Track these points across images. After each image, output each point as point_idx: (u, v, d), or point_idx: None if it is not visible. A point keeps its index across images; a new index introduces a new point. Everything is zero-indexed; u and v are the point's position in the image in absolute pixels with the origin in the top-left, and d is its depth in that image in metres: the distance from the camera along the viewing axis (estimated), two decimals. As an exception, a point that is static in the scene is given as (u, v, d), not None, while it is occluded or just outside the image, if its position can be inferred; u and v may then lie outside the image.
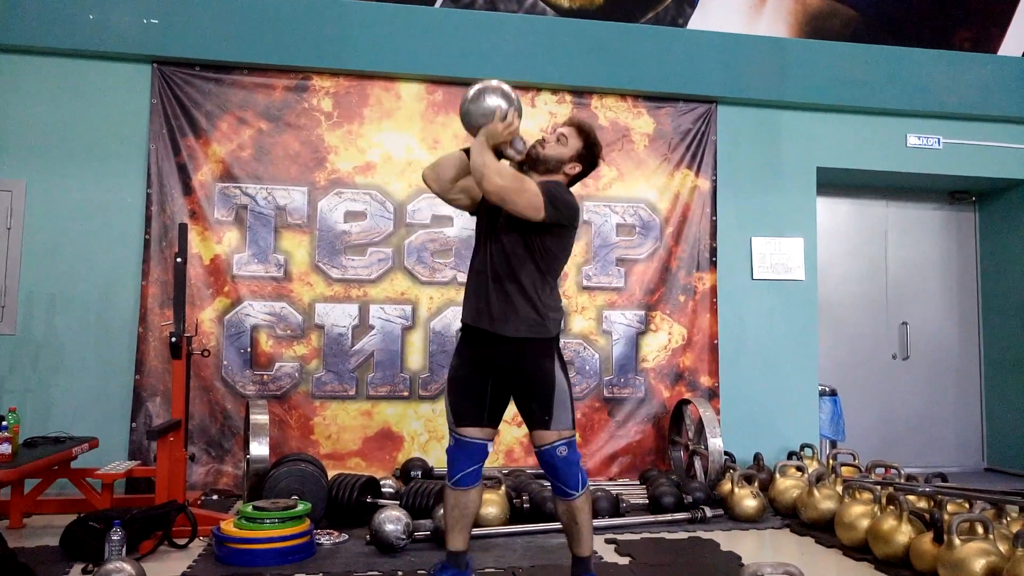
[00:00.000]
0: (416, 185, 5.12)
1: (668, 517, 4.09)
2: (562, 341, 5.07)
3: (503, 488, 4.01)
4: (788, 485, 4.31)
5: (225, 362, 4.82)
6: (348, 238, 5.05)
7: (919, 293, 6.39)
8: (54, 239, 4.72)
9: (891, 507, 3.48)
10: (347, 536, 3.70)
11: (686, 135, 5.49)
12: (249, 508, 3.38)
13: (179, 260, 3.90)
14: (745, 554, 3.52)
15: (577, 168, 2.86)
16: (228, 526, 3.36)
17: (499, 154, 2.75)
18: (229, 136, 4.95)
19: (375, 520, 3.47)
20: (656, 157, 5.45)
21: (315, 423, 4.89)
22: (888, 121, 5.78)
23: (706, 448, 4.66)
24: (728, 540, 3.79)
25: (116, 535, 2.97)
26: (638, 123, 5.45)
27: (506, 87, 2.78)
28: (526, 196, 2.64)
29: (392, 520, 3.45)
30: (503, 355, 2.74)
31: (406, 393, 5.03)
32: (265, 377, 4.87)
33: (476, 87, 2.78)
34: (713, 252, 5.47)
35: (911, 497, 3.68)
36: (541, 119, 5.27)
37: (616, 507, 4.11)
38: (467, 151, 2.81)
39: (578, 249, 5.06)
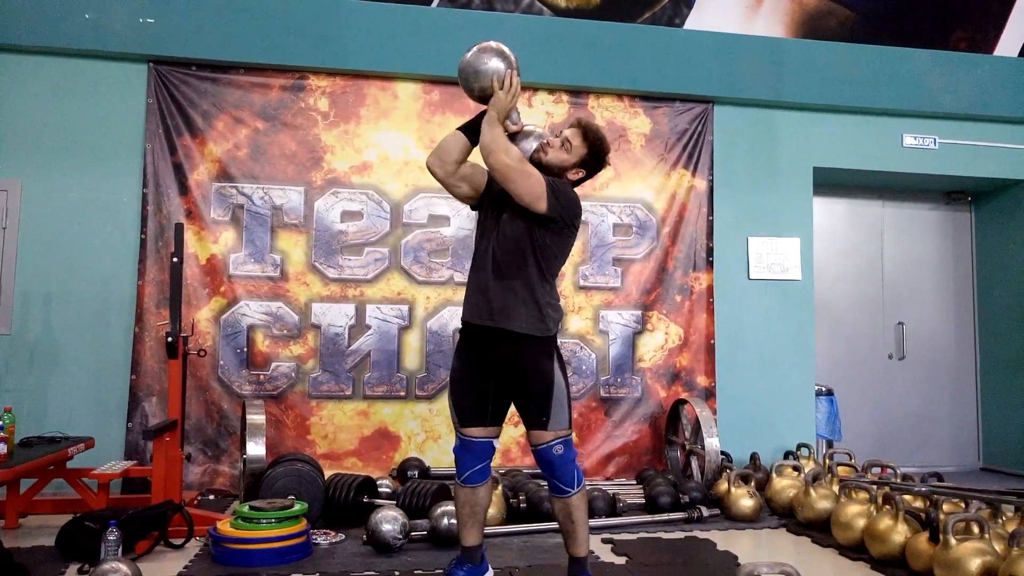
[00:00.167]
0: (413, 185, 5.12)
1: (665, 517, 4.09)
2: (560, 340, 5.13)
3: (500, 488, 4.01)
4: (784, 485, 4.31)
5: (221, 362, 4.82)
6: (345, 238, 5.05)
7: (915, 293, 6.40)
8: (50, 239, 4.72)
9: (887, 507, 3.49)
10: (344, 536, 3.69)
11: (683, 135, 5.50)
12: (245, 508, 3.38)
13: (175, 260, 3.89)
14: (741, 554, 3.52)
15: (580, 173, 2.85)
16: (224, 526, 3.35)
17: None
18: (225, 136, 4.94)
19: (372, 520, 3.47)
20: (653, 157, 5.45)
21: (311, 423, 4.89)
22: (884, 121, 5.79)
23: (703, 448, 4.66)
24: (725, 540, 3.79)
25: (112, 535, 2.96)
26: (635, 123, 5.45)
27: (505, 48, 2.74)
28: (529, 181, 2.64)
29: (389, 520, 3.45)
30: (503, 353, 2.73)
31: (403, 393, 5.03)
32: (261, 377, 4.87)
33: (473, 49, 2.74)
34: (710, 252, 5.47)
35: (907, 497, 3.68)
36: (538, 119, 5.27)
37: (613, 507, 4.11)
38: (463, 129, 2.81)
39: (575, 249, 5.00)
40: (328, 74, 5.09)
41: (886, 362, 6.30)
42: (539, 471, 3.17)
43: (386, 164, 5.13)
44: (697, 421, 4.76)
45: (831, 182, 6.03)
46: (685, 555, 3.52)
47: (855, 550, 3.56)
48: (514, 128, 2.78)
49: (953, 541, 2.98)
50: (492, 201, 2.84)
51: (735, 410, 5.36)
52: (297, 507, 3.44)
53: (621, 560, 3.43)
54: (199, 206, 4.87)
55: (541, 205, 2.65)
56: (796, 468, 4.50)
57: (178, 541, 3.47)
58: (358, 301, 5.03)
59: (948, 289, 6.47)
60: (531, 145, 2.80)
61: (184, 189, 4.86)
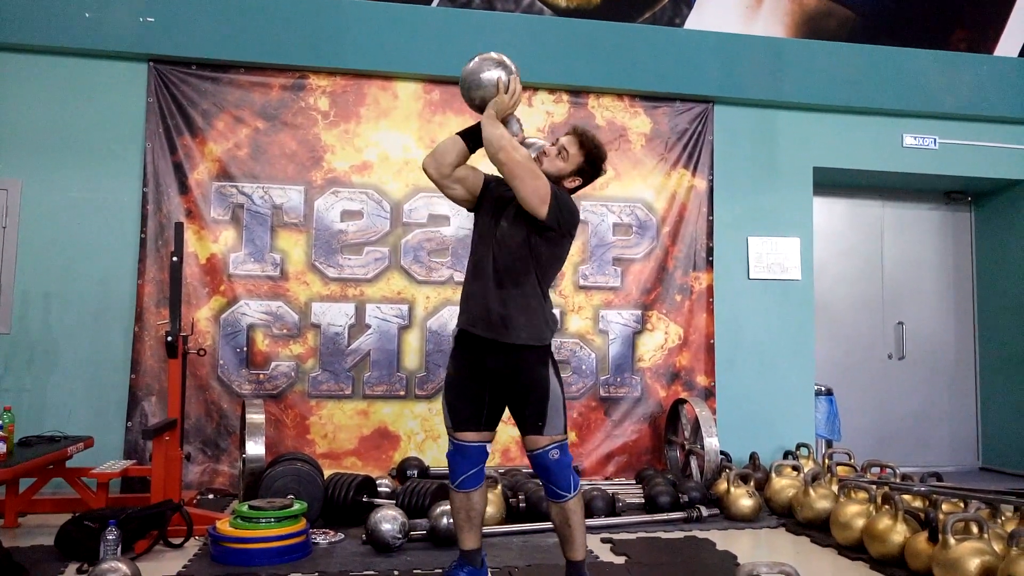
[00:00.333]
0: (413, 184, 5.12)
1: (664, 516, 4.10)
2: (558, 341, 5.14)
3: (499, 488, 4.01)
4: (784, 484, 4.31)
5: (221, 361, 4.82)
6: (344, 237, 5.05)
7: (915, 293, 6.40)
8: (50, 238, 4.71)
9: (886, 507, 3.49)
10: (343, 535, 3.70)
11: (683, 135, 5.50)
12: (245, 507, 3.38)
13: (175, 259, 3.89)
14: (741, 553, 3.52)
15: (577, 181, 2.84)
16: (224, 525, 3.35)
17: None
18: (225, 135, 4.94)
19: (371, 519, 3.47)
20: (653, 157, 5.45)
21: (311, 422, 4.89)
22: (884, 121, 5.79)
23: (702, 447, 4.67)
24: (724, 539, 3.79)
25: (111, 534, 2.96)
26: (635, 123, 5.45)
27: (505, 58, 2.76)
28: (536, 183, 2.64)
29: (388, 519, 3.45)
30: (500, 362, 2.73)
31: (402, 392, 5.03)
32: (261, 376, 4.87)
33: (475, 59, 2.77)
34: (709, 252, 5.47)
35: (906, 496, 3.68)
36: (538, 119, 5.27)
37: (612, 506, 4.11)
38: (462, 135, 2.81)
39: (575, 249, 5.04)
40: (328, 73, 5.08)
41: (886, 362, 6.30)
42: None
43: (386, 164, 5.13)
44: (696, 421, 4.76)
45: (831, 182, 6.03)
46: (684, 555, 3.52)
47: (854, 550, 3.56)
48: (515, 139, 2.78)
49: (952, 541, 2.98)
50: (491, 207, 2.82)
51: (735, 410, 5.36)
52: (296, 506, 3.44)
53: (620, 560, 3.43)
54: (199, 205, 4.87)
55: (543, 210, 2.64)
56: (795, 468, 4.50)
57: (177, 540, 3.47)
58: (358, 300, 5.03)
59: (948, 289, 6.47)
60: (512, 128, 2.80)
61: (184, 188, 4.86)
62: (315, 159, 5.04)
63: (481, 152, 2.77)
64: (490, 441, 2.86)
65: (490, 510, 3.79)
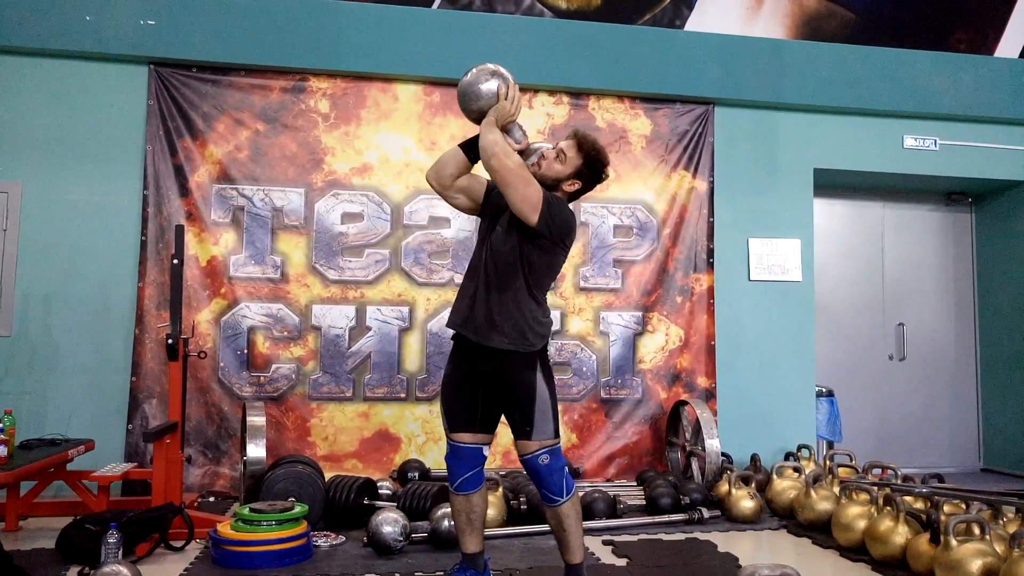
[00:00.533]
0: (413, 186, 5.12)
1: (665, 518, 4.09)
2: (559, 342, 5.15)
3: (500, 490, 4.01)
4: (785, 486, 4.31)
5: (222, 364, 4.81)
6: (345, 239, 5.05)
7: (915, 294, 6.40)
8: (50, 241, 4.71)
9: (888, 508, 3.48)
10: (344, 538, 3.69)
11: (683, 136, 5.50)
12: (246, 510, 3.38)
13: (175, 262, 3.89)
14: (742, 555, 3.52)
15: (576, 185, 2.83)
16: (225, 528, 3.36)
17: None
18: (226, 137, 4.94)
19: (372, 522, 3.47)
20: (653, 158, 5.45)
21: (312, 425, 4.89)
22: (885, 122, 5.79)
23: (703, 449, 4.66)
24: (725, 541, 3.79)
25: (112, 538, 2.95)
26: (635, 124, 5.45)
27: (502, 68, 2.77)
28: (527, 189, 2.64)
29: (389, 522, 3.45)
30: (488, 366, 2.74)
31: (403, 395, 5.03)
32: (262, 379, 4.87)
33: (471, 71, 2.78)
34: (710, 253, 5.47)
35: (908, 498, 3.68)
36: (538, 120, 5.27)
37: (613, 508, 4.11)
38: (463, 146, 2.82)
39: (575, 250, 5.06)
40: (328, 76, 5.09)
41: (886, 363, 6.30)
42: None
43: (386, 166, 5.13)
44: (698, 422, 4.76)
45: (831, 183, 6.03)
46: (686, 557, 3.52)
47: (856, 551, 3.56)
48: (518, 147, 2.78)
49: (954, 542, 2.98)
50: (490, 212, 2.85)
51: (735, 411, 5.36)
52: (297, 509, 3.44)
53: (622, 562, 3.43)
54: (199, 208, 4.87)
55: (534, 217, 2.64)
56: (797, 469, 4.50)
57: (178, 543, 3.48)
58: (358, 303, 5.03)
59: (948, 290, 6.47)
60: (515, 135, 2.80)
61: (184, 191, 4.86)
62: (315, 161, 5.04)
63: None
64: (487, 444, 2.86)
65: (491, 512, 3.79)
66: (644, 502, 4.34)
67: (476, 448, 2.81)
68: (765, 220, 5.59)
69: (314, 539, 3.56)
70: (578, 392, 5.20)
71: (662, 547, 3.68)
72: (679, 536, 3.87)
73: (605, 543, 3.70)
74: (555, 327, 5.05)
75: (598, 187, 5.00)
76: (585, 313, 5.29)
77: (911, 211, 6.47)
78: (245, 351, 4.85)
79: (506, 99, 2.71)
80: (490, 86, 2.73)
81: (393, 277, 5.09)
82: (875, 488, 3.75)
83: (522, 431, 2.73)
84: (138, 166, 4.83)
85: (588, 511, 3.93)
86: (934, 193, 6.43)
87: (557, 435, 2.77)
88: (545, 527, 3.74)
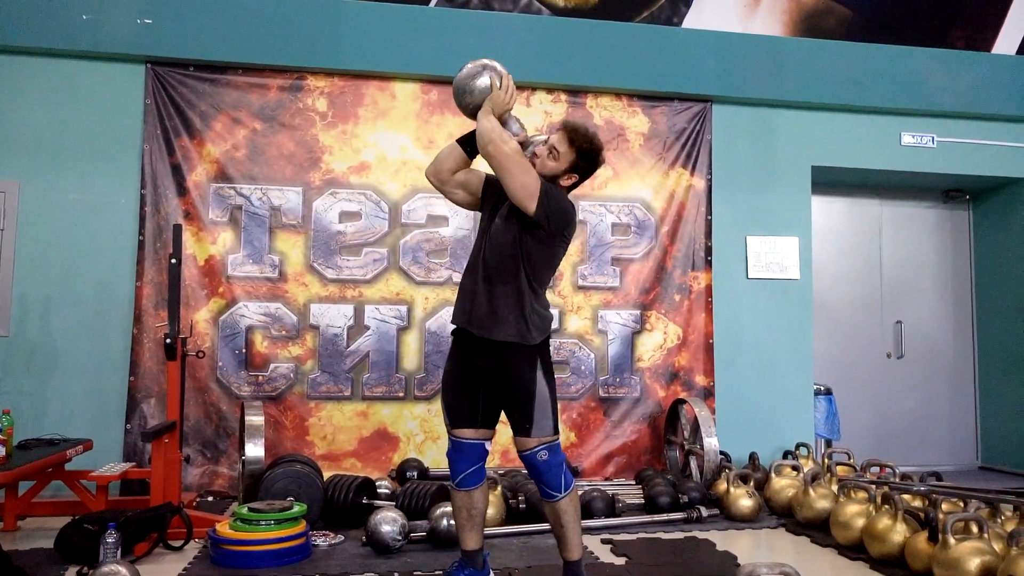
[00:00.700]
0: (411, 185, 5.11)
1: (664, 517, 4.10)
2: (558, 341, 5.14)
3: (499, 488, 4.01)
4: (784, 484, 4.31)
5: (220, 363, 4.81)
6: (343, 238, 5.04)
7: (914, 292, 6.40)
8: (48, 240, 4.71)
9: (886, 506, 3.49)
10: (343, 537, 3.69)
11: (681, 134, 5.49)
12: (244, 510, 3.38)
13: (173, 261, 3.89)
14: (741, 554, 3.52)
15: (573, 178, 2.83)
16: (224, 528, 3.35)
17: None
18: (223, 136, 4.93)
19: (371, 521, 3.47)
20: (651, 156, 5.45)
21: (310, 424, 4.88)
22: (883, 120, 5.79)
23: (702, 448, 4.66)
24: (724, 540, 3.79)
25: (111, 537, 2.95)
26: (633, 122, 5.45)
27: (496, 63, 2.79)
28: (525, 177, 2.64)
29: (388, 521, 3.45)
30: (488, 361, 2.75)
31: (402, 394, 5.03)
32: (260, 378, 4.86)
33: (465, 67, 2.80)
34: (708, 251, 5.47)
35: (906, 496, 3.69)
36: (536, 118, 5.26)
37: (612, 507, 4.11)
38: (460, 141, 2.83)
39: (573, 249, 5.06)
40: (326, 74, 5.08)
41: (884, 361, 6.30)
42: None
43: (384, 164, 5.13)
44: (696, 421, 4.76)
45: (829, 181, 6.03)
46: (684, 555, 3.52)
47: (854, 550, 3.56)
48: (516, 139, 2.77)
49: (952, 540, 2.98)
50: (490, 204, 2.86)
51: (734, 410, 5.36)
52: (296, 508, 3.44)
53: (620, 561, 3.43)
54: (197, 207, 4.86)
55: (531, 205, 2.64)
56: (795, 468, 4.50)
57: (177, 543, 3.48)
58: (357, 302, 5.03)
59: (946, 288, 6.47)
60: (512, 128, 2.81)
61: (182, 190, 4.85)
62: (313, 160, 5.04)
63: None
64: (489, 439, 2.86)
65: (490, 511, 3.78)
66: (643, 501, 4.34)
67: (478, 444, 2.82)
68: (763, 218, 5.59)
69: (313, 538, 3.56)
70: (576, 391, 5.20)
71: (661, 546, 3.69)
72: (678, 535, 3.87)
73: (604, 542, 3.70)
74: (554, 326, 5.03)
75: (595, 184, 5.00)
76: (583, 312, 5.29)
77: (909, 208, 6.47)
78: (243, 350, 4.85)
79: (500, 88, 2.72)
80: (484, 80, 2.75)
81: (391, 276, 5.08)
82: (873, 486, 3.75)
83: (521, 427, 2.73)
84: (135, 165, 4.82)
85: (587, 510, 3.93)
86: (932, 190, 6.43)
87: (556, 431, 2.78)
88: (544, 526, 3.75)
